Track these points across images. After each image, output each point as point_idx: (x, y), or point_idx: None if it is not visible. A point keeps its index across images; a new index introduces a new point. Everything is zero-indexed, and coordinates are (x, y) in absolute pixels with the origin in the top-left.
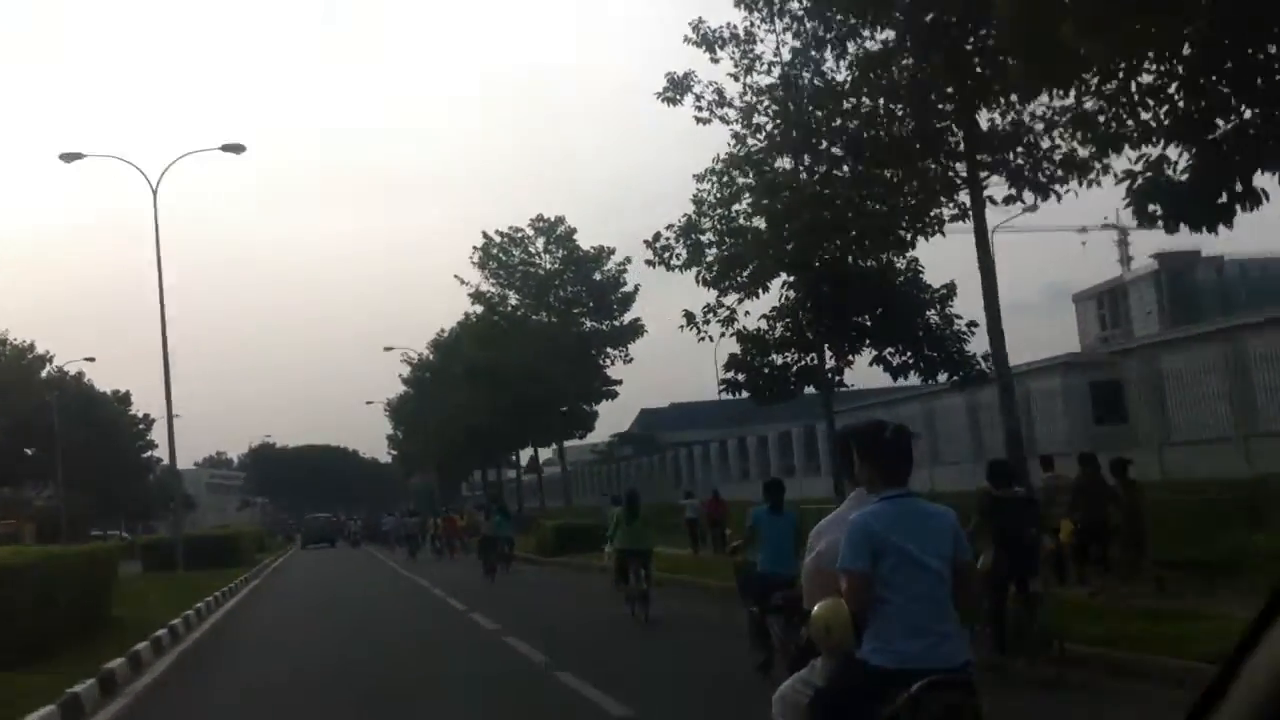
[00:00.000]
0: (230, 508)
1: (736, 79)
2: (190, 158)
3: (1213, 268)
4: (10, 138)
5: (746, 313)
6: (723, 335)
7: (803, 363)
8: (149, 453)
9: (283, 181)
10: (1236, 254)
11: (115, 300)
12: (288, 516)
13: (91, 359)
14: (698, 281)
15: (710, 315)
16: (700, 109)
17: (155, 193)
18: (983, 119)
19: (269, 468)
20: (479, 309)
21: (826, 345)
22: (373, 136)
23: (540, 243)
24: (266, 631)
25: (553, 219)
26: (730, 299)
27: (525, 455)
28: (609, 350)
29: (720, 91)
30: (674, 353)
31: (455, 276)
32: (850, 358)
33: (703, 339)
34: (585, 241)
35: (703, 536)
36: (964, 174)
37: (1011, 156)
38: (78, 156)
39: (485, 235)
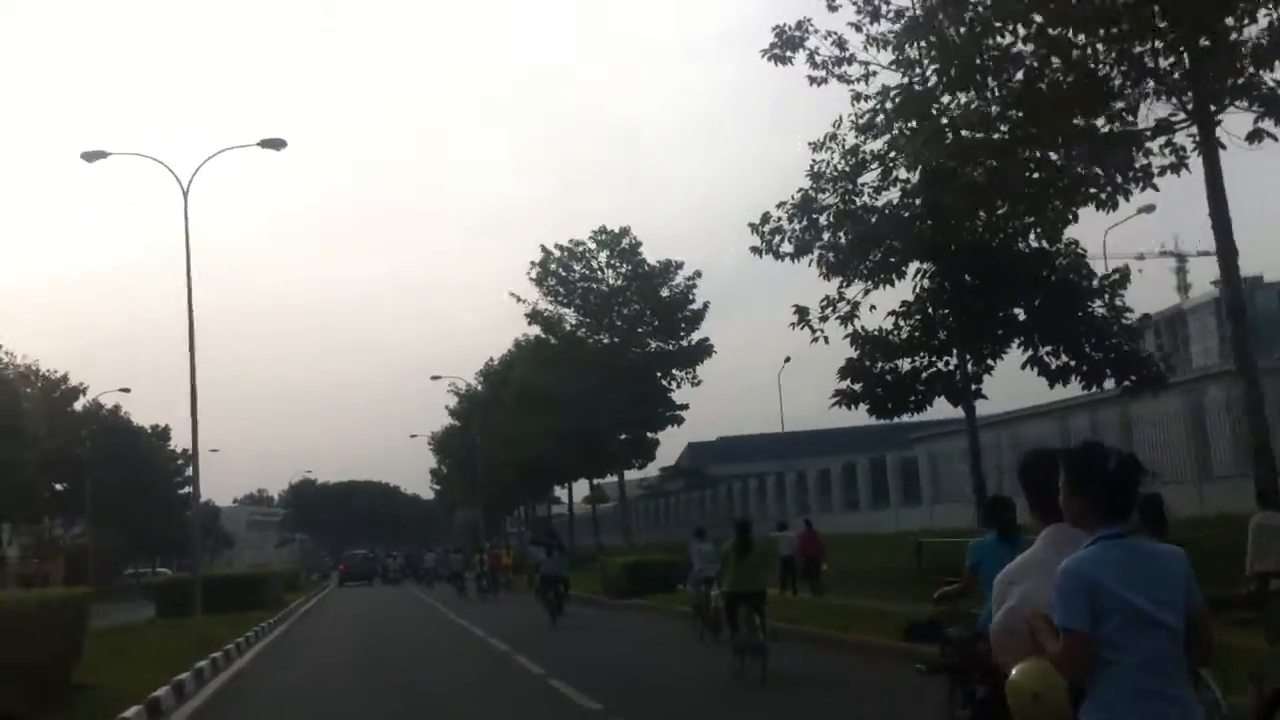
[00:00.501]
0: (269, 545)
1: (859, 28)
2: (226, 161)
3: (1275, 294)
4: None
5: (872, 307)
6: (844, 337)
7: (934, 368)
8: (187, 489)
9: (318, 212)
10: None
11: (155, 330)
12: (325, 553)
13: (127, 390)
14: (819, 269)
15: (829, 310)
16: (816, 65)
17: (186, 194)
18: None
19: (308, 504)
20: (535, 330)
21: (960, 347)
22: (409, 168)
23: (603, 256)
24: (282, 706)
25: (617, 230)
26: (854, 290)
27: (573, 489)
28: (675, 372)
29: (842, 43)
30: (721, 384)
31: (511, 294)
32: (991, 361)
33: (816, 339)
34: (650, 255)
35: (796, 576)
36: (1185, 107)
37: (1263, 73)
38: (101, 155)
39: (544, 249)
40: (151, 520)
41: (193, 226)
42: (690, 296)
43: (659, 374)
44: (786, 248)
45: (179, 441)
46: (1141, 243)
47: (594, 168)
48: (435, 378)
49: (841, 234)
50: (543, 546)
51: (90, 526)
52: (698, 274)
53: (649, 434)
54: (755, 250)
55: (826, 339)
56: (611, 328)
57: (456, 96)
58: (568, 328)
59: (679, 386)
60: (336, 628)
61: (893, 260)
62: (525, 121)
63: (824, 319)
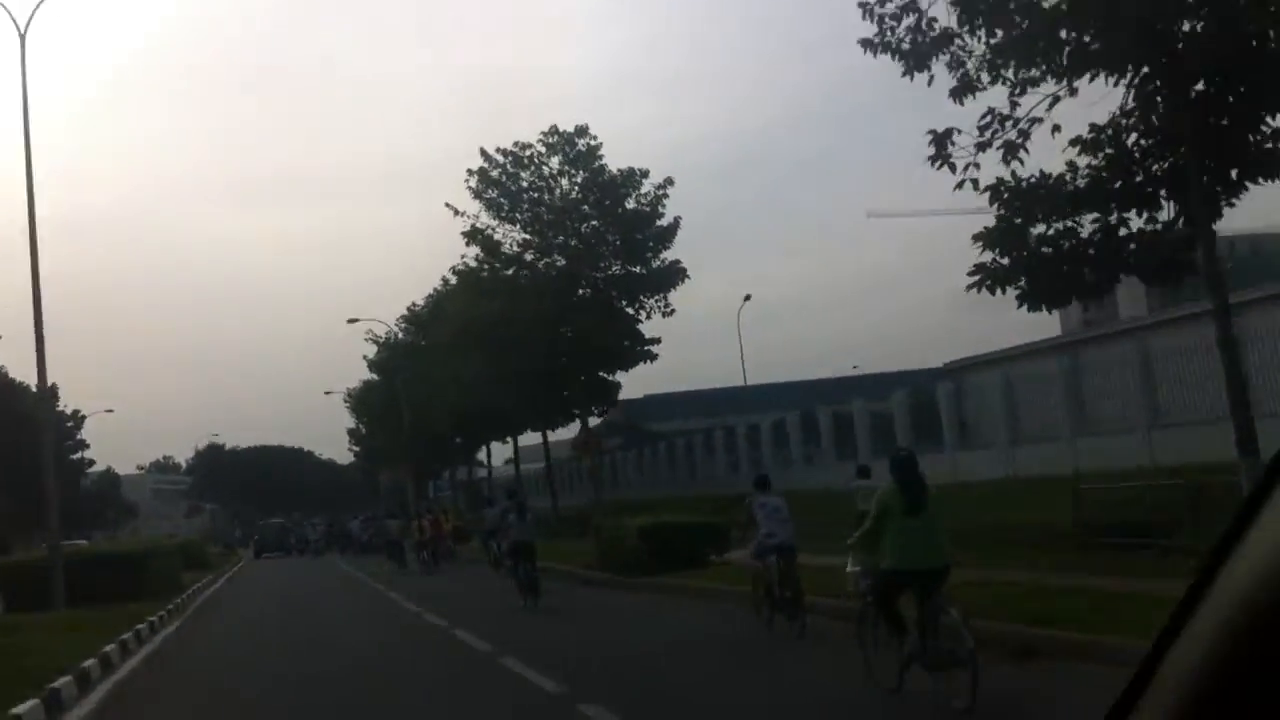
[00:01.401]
0: (178, 515)
1: None
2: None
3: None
4: None
5: (1056, 129)
6: (983, 190)
7: (1142, 226)
8: (79, 454)
9: (233, 168)
10: (1226, 231)
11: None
12: (236, 524)
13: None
14: (979, 69)
15: (996, 127)
16: None
17: (23, 39)
18: None
19: (218, 471)
20: (474, 252)
21: (1168, 196)
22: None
23: (555, 162)
24: None
25: (572, 129)
26: (1028, 102)
27: (512, 446)
28: (643, 298)
29: None
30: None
31: (447, 205)
32: (1228, 200)
33: (960, 185)
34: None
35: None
36: None
37: None
38: None
39: (484, 153)
40: (36, 488)
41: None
42: (660, 209)
43: (624, 301)
44: (929, 33)
45: (69, 401)
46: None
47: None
48: (352, 320)
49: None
50: (502, 507)
51: None
52: (669, 181)
53: (609, 375)
54: (868, 45)
55: (974, 181)
56: (566, 248)
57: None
58: (514, 249)
59: (648, 316)
60: (248, 627)
61: (1088, 56)
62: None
63: (983, 146)
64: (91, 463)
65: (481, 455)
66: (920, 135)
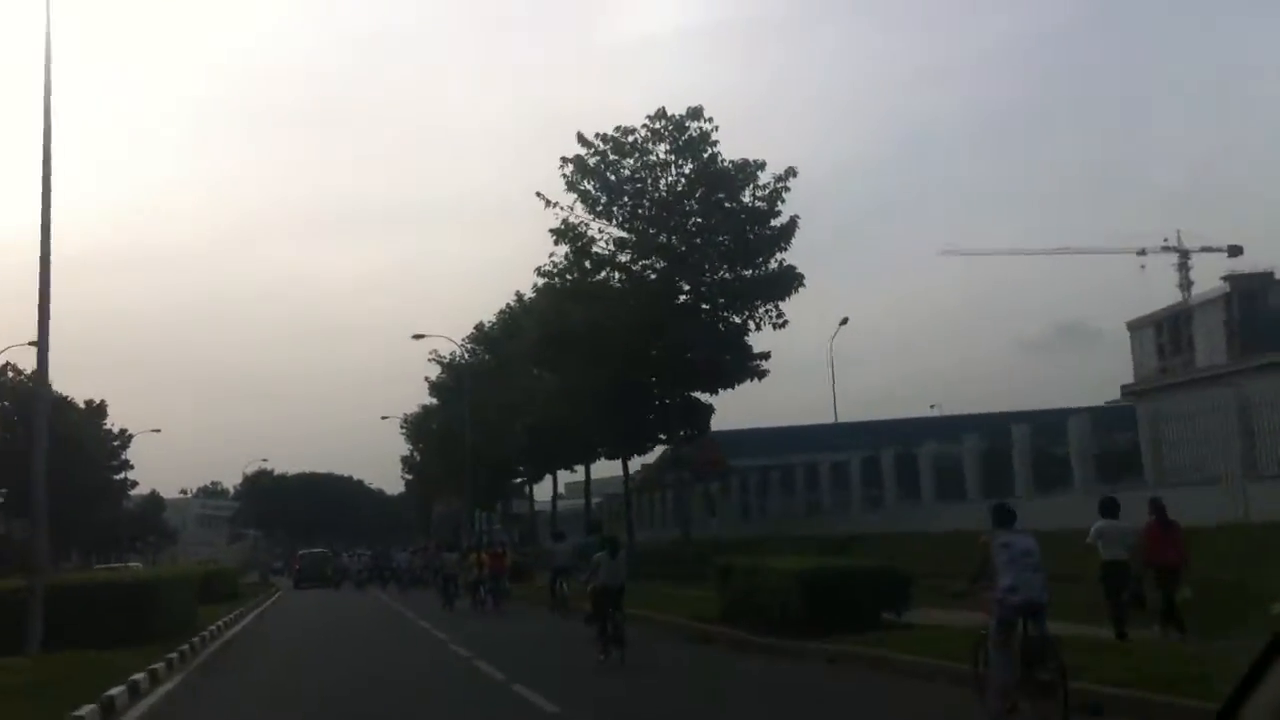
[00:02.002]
0: (221, 541)
1: None
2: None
3: None
4: None
5: None
6: None
7: None
8: (123, 474)
9: (300, 202)
10: None
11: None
12: (279, 551)
13: (35, 344)
14: None
15: None
16: None
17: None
18: None
19: (264, 497)
20: (563, 252)
21: None
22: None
23: (661, 150)
24: None
25: (684, 111)
26: None
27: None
28: (756, 306)
29: None
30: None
31: (539, 195)
32: None
33: None
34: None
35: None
36: None
37: None
38: None
39: (582, 139)
40: (78, 509)
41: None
42: (777, 207)
43: (730, 311)
44: None
45: (116, 420)
46: (1144, 239)
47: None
48: (418, 336)
49: None
50: (576, 542)
51: (2, 517)
52: (791, 173)
53: (699, 396)
54: None
55: None
56: (667, 248)
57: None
58: (609, 248)
59: (758, 327)
60: (269, 689)
61: None
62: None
63: None
64: (134, 484)
65: (538, 488)
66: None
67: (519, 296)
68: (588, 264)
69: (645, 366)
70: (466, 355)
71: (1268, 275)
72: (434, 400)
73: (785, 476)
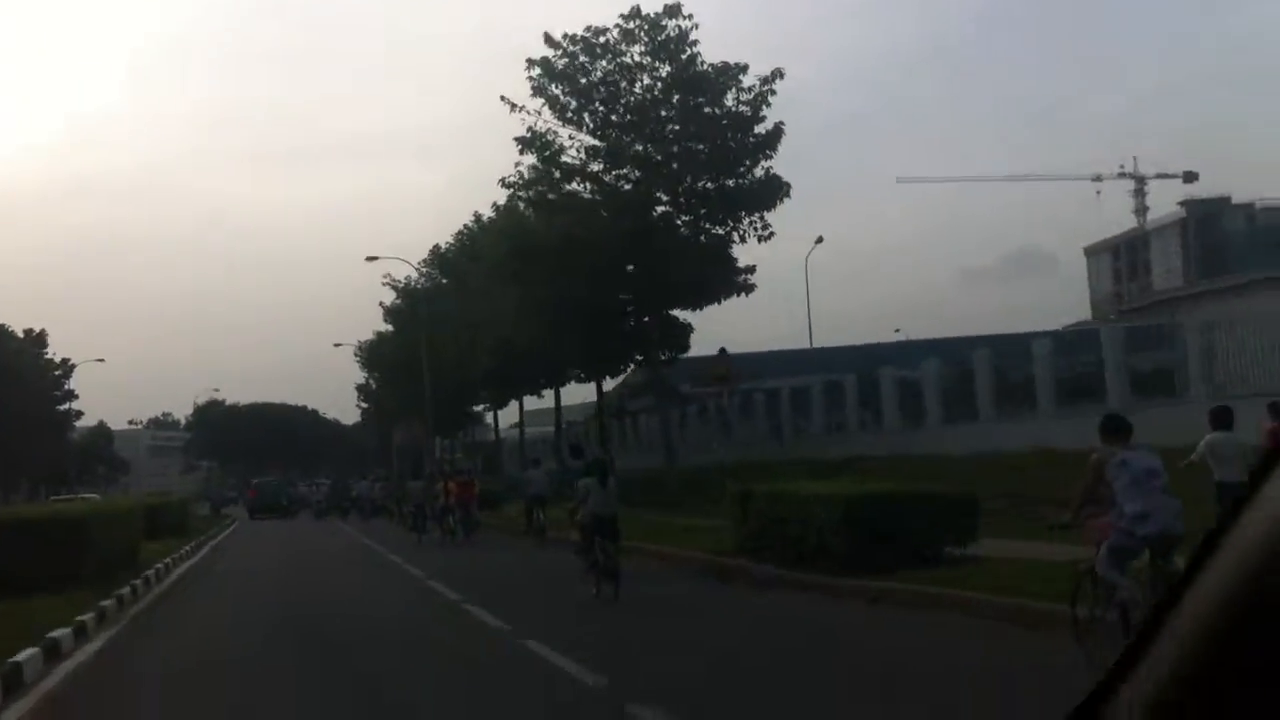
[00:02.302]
0: (174, 472)
1: None
2: None
3: (1243, 215)
4: None
5: None
6: None
7: None
8: (67, 405)
9: (239, 136)
10: (1271, 200)
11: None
12: (232, 482)
13: None
14: None
15: None
16: None
17: None
18: None
19: (217, 429)
20: (530, 162)
21: None
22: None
23: (635, 52)
24: None
25: (660, 7)
26: None
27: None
28: (739, 218)
29: None
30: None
31: (503, 99)
32: None
33: None
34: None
35: None
36: None
37: None
38: None
39: (549, 39)
40: (21, 441)
41: None
42: (761, 112)
43: (712, 222)
44: None
45: (57, 349)
46: (1099, 164)
47: None
48: (371, 259)
49: None
50: (556, 470)
51: None
52: (777, 74)
53: (676, 315)
54: None
55: None
56: (643, 157)
57: None
58: (579, 157)
59: (742, 240)
60: (220, 644)
61: None
62: None
63: None
64: (79, 414)
65: (502, 414)
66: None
67: (477, 218)
68: (557, 174)
69: (621, 282)
70: (422, 279)
71: (1224, 200)
72: (390, 327)
73: (770, 399)
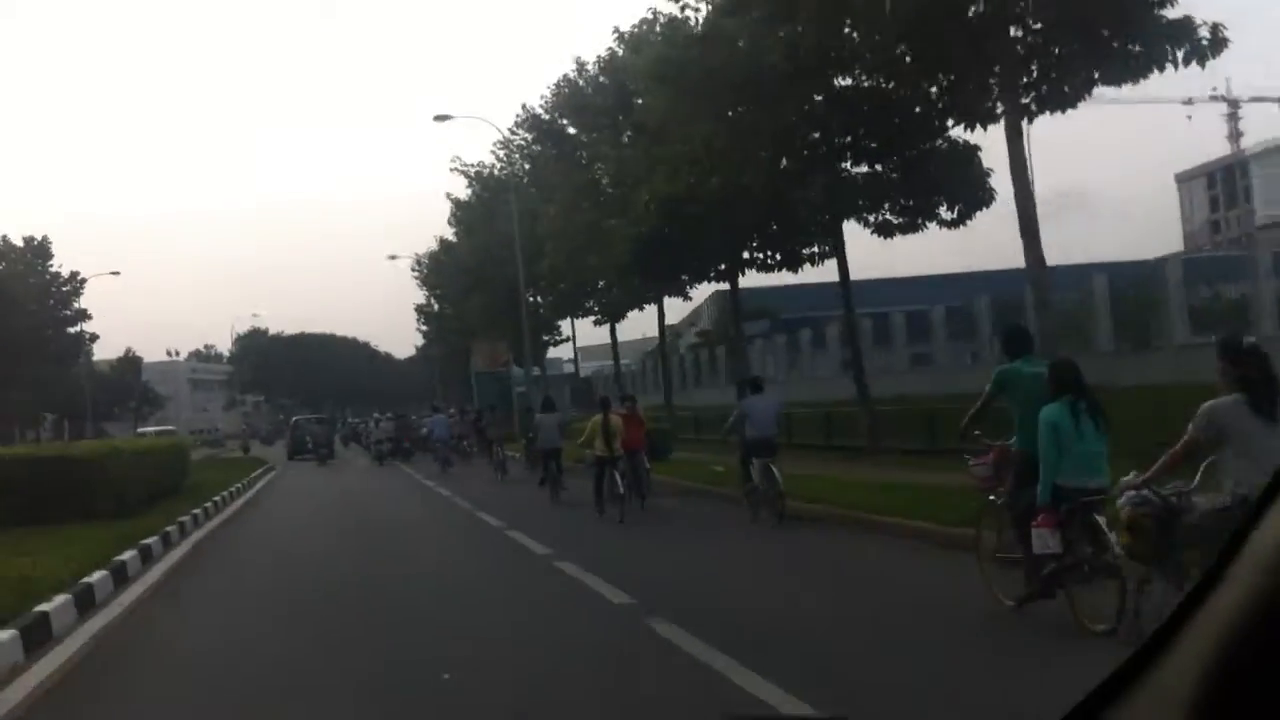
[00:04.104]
0: (215, 407)
1: None
2: None
3: None
4: None
5: None
6: None
7: None
8: (79, 326)
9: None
10: None
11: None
12: (282, 420)
13: None
14: None
15: None
16: None
17: None
18: None
19: (262, 361)
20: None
21: None
22: None
23: None
24: None
25: None
26: None
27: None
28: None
29: None
30: None
31: None
32: None
33: None
34: None
35: None
36: None
37: None
38: None
39: None
40: (20, 369)
41: None
42: None
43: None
44: None
45: (66, 262)
46: (1190, 86)
47: None
48: (441, 118)
49: None
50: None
51: None
52: None
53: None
54: None
55: None
56: None
57: None
58: None
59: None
60: None
61: None
62: None
63: None
64: (94, 338)
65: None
66: None
67: (580, 65)
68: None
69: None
70: (499, 165)
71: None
72: (456, 230)
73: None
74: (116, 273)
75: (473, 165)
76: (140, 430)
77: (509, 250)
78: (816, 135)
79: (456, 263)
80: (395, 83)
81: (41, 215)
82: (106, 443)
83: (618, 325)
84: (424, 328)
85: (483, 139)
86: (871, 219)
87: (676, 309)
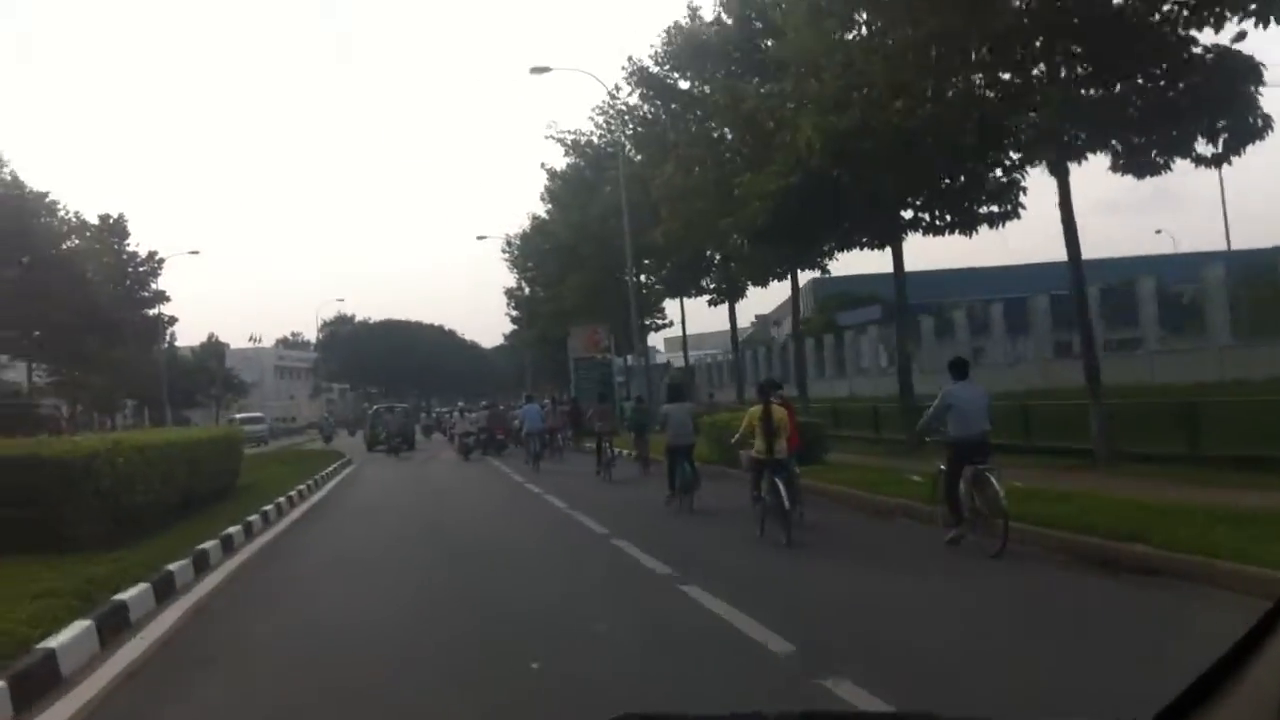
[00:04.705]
0: (301, 395)
1: None
2: None
3: None
4: None
5: None
6: None
7: None
8: (156, 309)
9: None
10: None
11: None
12: (367, 407)
13: None
14: None
15: None
16: None
17: None
18: None
19: (347, 349)
20: None
21: None
22: None
23: None
24: None
25: None
26: None
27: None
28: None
29: None
30: None
31: None
32: None
33: None
34: None
35: None
36: None
37: None
38: None
39: None
40: (99, 350)
41: None
42: None
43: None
44: None
45: (143, 241)
46: None
47: None
48: (539, 70)
49: None
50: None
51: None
52: None
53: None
54: None
55: None
56: None
57: None
58: None
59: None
60: None
61: None
62: None
63: None
64: (173, 320)
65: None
66: None
67: (692, 10)
68: None
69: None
70: (607, 126)
71: None
72: (550, 208)
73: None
74: (196, 252)
75: (569, 133)
76: (230, 418)
77: (610, 224)
78: (1039, 42)
79: (552, 240)
80: (491, 41)
81: (119, 196)
82: (106, 437)
83: (705, 310)
84: (513, 312)
85: (581, 105)
86: (1117, 149)
87: (758, 300)
